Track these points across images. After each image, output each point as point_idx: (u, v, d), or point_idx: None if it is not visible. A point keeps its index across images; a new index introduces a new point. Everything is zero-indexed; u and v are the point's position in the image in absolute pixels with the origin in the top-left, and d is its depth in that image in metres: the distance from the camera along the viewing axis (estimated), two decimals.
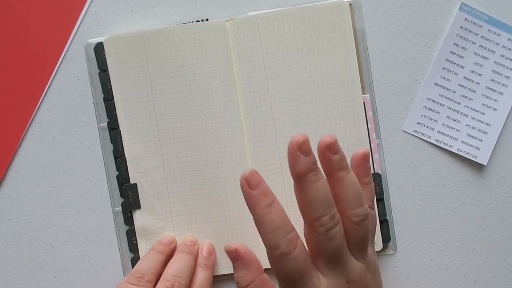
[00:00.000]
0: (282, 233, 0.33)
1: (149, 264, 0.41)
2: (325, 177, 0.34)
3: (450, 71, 0.47)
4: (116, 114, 0.44)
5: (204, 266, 0.43)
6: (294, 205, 0.45)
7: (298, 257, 0.33)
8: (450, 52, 0.46)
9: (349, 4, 0.45)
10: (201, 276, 0.42)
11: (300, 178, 0.33)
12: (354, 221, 0.35)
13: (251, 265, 0.34)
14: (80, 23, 0.46)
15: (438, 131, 0.47)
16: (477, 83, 0.47)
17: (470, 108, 0.47)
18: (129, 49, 0.44)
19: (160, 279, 0.40)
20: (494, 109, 0.47)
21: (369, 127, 0.45)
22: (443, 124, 0.47)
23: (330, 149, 0.34)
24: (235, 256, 0.34)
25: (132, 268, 0.45)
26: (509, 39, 0.46)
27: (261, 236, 0.33)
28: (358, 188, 0.35)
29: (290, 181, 0.44)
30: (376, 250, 0.45)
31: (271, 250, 0.33)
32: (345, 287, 0.35)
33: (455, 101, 0.47)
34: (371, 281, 0.37)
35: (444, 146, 0.46)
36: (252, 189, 0.33)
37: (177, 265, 0.41)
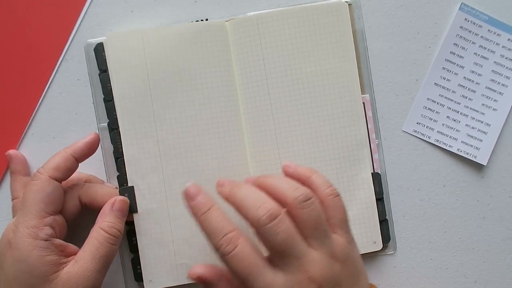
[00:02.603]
0: (220, 234, 0.34)
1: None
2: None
3: (450, 71, 0.47)
4: (116, 115, 0.44)
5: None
6: None
7: (240, 254, 0.34)
8: (450, 52, 0.46)
9: (349, 4, 0.45)
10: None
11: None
12: (299, 207, 0.35)
13: (220, 283, 0.36)
14: (80, 23, 0.46)
15: (438, 131, 0.47)
16: (477, 83, 0.47)
17: (470, 108, 0.47)
18: (129, 46, 0.44)
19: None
20: (494, 109, 0.47)
21: (369, 127, 0.45)
22: (443, 124, 0.47)
23: None
24: (200, 281, 0.36)
25: (133, 268, 0.45)
26: (509, 39, 0.46)
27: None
28: (283, 179, 0.38)
29: None
30: (376, 250, 0.45)
31: (215, 252, 0.35)
32: (330, 262, 0.35)
33: (455, 101, 0.47)
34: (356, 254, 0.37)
35: (444, 146, 0.46)
36: (191, 200, 0.36)
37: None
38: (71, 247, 0.40)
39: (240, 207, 0.35)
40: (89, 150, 0.42)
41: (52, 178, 0.39)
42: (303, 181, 0.38)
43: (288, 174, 0.40)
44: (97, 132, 0.44)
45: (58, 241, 0.39)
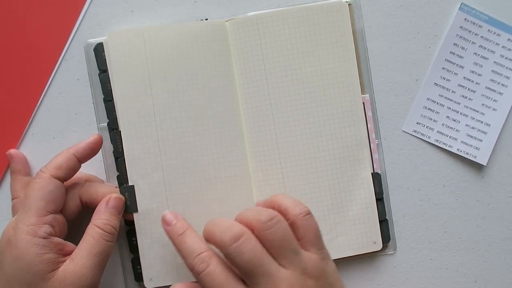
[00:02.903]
0: (194, 254, 0.36)
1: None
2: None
3: (450, 71, 0.47)
4: (116, 115, 0.44)
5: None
6: None
7: (213, 273, 0.35)
8: (450, 52, 0.46)
9: (349, 4, 0.45)
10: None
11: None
12: (263, 228, 0.36)
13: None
14: (80, 23, 0.46)
15: (438, 131, 0.47)
16: (476, 83, 0.47)
17: (470, 108, 0.47)
18: (130, 45, 0.43)
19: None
20: (493, 109, 0.47)
21: (368, 127, 0.45)
22: (442, 124, 0.47)
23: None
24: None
25: (133, 268, 0.45)
26: (509, 39, 0.46)
27: None
28: (250, 209, 0.39)
29: (290, 181, 0.44)
30: (376, 250, 0.45)
31: (190, 271, 0.37)
32: (302, 279, 0.36)
33: (454, 101, 0.47)
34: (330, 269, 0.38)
35: (444, 146, 0.46)
36: (167, 225, 0.39)
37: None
38: (70, 245, 0.40)
39: (208, 233, 0.37)
40: (92, 151, 0.42)
41: (54, 177, 0.39)
42: (272, 207, 0.39)
43: (259, 205, 0.42)
44: (98, 133, 0.44)
45: (57, 239, 0.39)
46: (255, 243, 0.36)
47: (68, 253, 0.39)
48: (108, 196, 0.41)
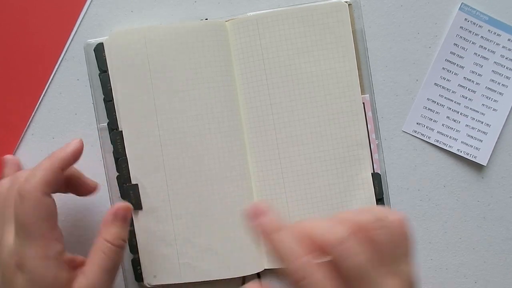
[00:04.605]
0: (292, 257, 0.31)
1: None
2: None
3: (450, 71, 0.47)
4: (116, 115, 0.44)
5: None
6: (294, 204, 0.45)
7: (315, 284, 0.31)
8: (450, 52, 0.46)
9: (349, 5, 0.45)
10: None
11: None
12: (375, 227, 0.32)
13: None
14: (80, 23, 0.46)
15: (438, 132, 0.47)
16: (477, 83, 0.47)
17: (470, 108, 0.47)
18: (130, 46, 0.44)
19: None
20: (494, 109, 0.47)
21: (368, 127, 0.45)
22: (443, 125, 0.47)
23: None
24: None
25: (133, 269, 0.45)
26: (509, 40, 0.46)
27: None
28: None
29: (290, 181, 0.44)
30: None
31: (283, 274, 0.32)
32: None
33: (455, 102, 0.47)
34: None
35: (444, 147, 0.46)
36: (261, 216, 0.33)
37: None
38: (80, 258, 0.39)
39: (305, 233, 0.32)
40: (75, 159, 0.40)
41: (45, 195, 0.37)
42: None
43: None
44: (98, 132, 0.44)
45: (67, 256, 0.38)
46: (363, 245, 0.31)
47: (78, 266, 0.38)
48: (115, 206, 0.40)
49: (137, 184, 0.44)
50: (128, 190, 0.44)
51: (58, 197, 0.46)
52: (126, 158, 0.44)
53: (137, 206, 0.44)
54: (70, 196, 0.46)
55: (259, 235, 0.33)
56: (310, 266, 0.31)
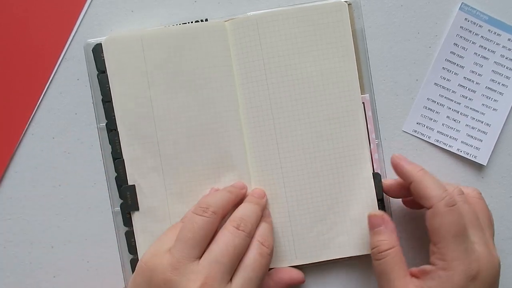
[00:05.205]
0: (442, 189, 0.39)
1: (217, 199, 0.41)
2: None
3: (450, 71, 0.47)
4: (114, 115, 0.44)
5: (266, 219, 0.43)
6: (294, 204, 0.45)
7: (463, 206, 0.39)
8: (450, 52, 0.46)
9: (349, 4, 0.45)
10: (264, 227, 0.42)
11: None
12: (478, 196, 0.43)
13: (394, 233, 0.40)
14: (80, 23, 0.46)
15: (438, 131, 0.47)
16: (477, 83, 0.47)
17: (470, 108, 0.47)
18: (128, 49, 0.44)
19: (228, 219, 0.40)
20: (494, 109, 0.47)
21: (368, 127, 0.45)
22: (443, 124, 0.47)
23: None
24: (380, 221, 0.41)
25: (132, 269, 0.45)
26: (509, 39, 0.46)
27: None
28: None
29: (290, 180, 0.44)
30: None
31: (430, 201, 0.39)
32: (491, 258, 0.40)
33: (455, 101, 0.47)
34: None
35: (444, 146, 0.46)
36: (410, 162, 0.42)
37: (245, 210, 0.41)
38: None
39: (423, 182, 0.40)
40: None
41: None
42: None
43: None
44: (97, 132, 0.44)
45: None
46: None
47: None
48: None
49: (133, 185, 0.44)
50: (125, 191, 0.43)
51: (58, 196, 0.46)
52: (123, 159, 0.44)
53: (134, 207, 0.44)
54: (70, 196, 0.46)
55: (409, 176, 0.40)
56: (458, 194, 0.40)
